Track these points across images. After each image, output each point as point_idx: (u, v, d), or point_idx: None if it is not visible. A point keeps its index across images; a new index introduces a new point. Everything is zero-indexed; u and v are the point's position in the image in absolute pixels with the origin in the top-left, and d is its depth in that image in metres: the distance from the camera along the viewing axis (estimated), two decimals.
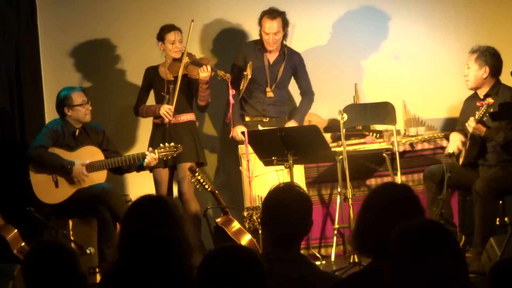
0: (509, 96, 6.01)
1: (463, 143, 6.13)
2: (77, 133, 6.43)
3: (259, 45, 6.86)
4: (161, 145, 6.38)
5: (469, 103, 6.29)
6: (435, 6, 7.50)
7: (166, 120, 6.54)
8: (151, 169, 6.56)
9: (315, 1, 7.50)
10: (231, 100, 6.43)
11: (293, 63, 6.89)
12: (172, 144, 6.36)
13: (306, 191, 6.34)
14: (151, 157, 6.31)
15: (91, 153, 6.37)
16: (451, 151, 6.16)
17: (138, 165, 6.39)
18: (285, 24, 6.75)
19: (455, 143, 6.18)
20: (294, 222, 3.28)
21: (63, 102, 6.37)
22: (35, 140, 6.33)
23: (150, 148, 6.39)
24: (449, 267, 2.42)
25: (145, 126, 6.89)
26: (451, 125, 7.01)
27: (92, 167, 6.31)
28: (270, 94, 6.82)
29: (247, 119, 6.88)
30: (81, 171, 6.25)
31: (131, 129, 7.41)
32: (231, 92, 6.41)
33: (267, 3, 6.88)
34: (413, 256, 2.43)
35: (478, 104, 5.97)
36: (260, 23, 6.76)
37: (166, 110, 6.53)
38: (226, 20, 7.46)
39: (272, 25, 6.69)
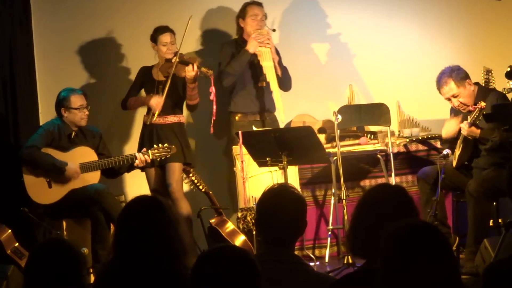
0: (495, 99, 6.00)
1: (456, 146, 6.15)
2: (72, 135, 6.42)
3: (240, 41, 6.89)
4: (154, 145, 6.38)
5: (457, 111, 6.26)
6: (429, 7, 7.51)
7: (153, 110, 6.54)
8: (142, 168, 6.57)
9: (310, 1, 7.51)
10: (212, 97, 6.47)
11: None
12: (166, 145, 6.36)
13: (300, 192, 6.39)
14: (144, 158, 6.30)
15: (84, 154, 6.37)
16: (444, 135, 6.21)
17: (128, 165, 6.39)
18: (265, 16, 6.88)
19: (450, 126, 6.19)
20: (288, 223, 3.28)
21: (61, 103, 6.36)
22: (29, 140, 6.32)
23: (144, 149, 6.39)
24: (440, 267, 2.42)
25: (140, 126, 6.88)
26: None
27: (85, 168, 6.30)
28: (262, 83, 6.81)
29: (237, 117, 6.88)
30: (74, 170, 6.25)
31: (126, 128, 7.41)
32: (213, 89, 6.45)
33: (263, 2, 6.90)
34: (403, 256, 2.43)
35: (471, 108, 5.98)
36: (243, 12, 6.86)
37: (157, 101, 6.54)
38: (223, 19, 7.45)
39: (260, 9, 6.82)
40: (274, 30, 6.85)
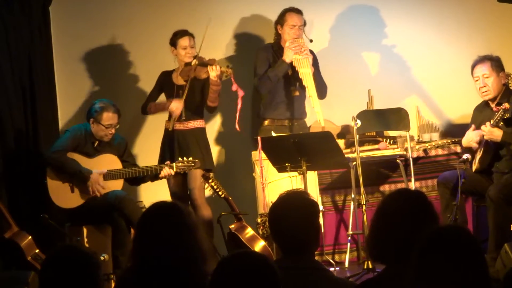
0: None
1: (477, 150, 6.13)
2: (95, 144, 6.42)
3: (276, 47, 6.88)
4: (179, 158, 6.40)
5: (479, 111, 6.26)
6: (447, 13, 7.50)
7: (174, 115, 6.57)
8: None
9: (329, 8, 7.50)
10: (241, 93, 6.50)
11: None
12: (191, 158, 6.38)
13: (316, 197, 6.38)
14: (168, 171, 6.33)
15: (109, 161, 6.38)
16: (464, 144, 6.21)
17: (153, 175, 6.41)
18: (304, 23, 6.83)
19: (471, 138, 6.17)
20: (298, 229, 3.25)
21: (92, 114, 6.35)
22: (55, 143, 6.35)
23: (168, 162, 6.40)
24: (473, 270, 2.48)
25: (157, 132, 6.90)
26: (465, 131, 6.99)
27: (109, 176, 6.32)
28: (296, 93, 6.81)
29: (266, 122, 6.88)
30: (97, 180, 6.26)
31: (143, 135, 7.43)
32: (235, 87, 6.46)
33: (280, 10, 6.88)
34: (440, 258, 2.45)
35: (494, 109, 5.97)
36: (282, 19, 6.80)
37: (176, 105, 6.56)
38: (241, 26, 7.47)
39: (299, 18, 6.77)
40: (311, 41, 6.81)
